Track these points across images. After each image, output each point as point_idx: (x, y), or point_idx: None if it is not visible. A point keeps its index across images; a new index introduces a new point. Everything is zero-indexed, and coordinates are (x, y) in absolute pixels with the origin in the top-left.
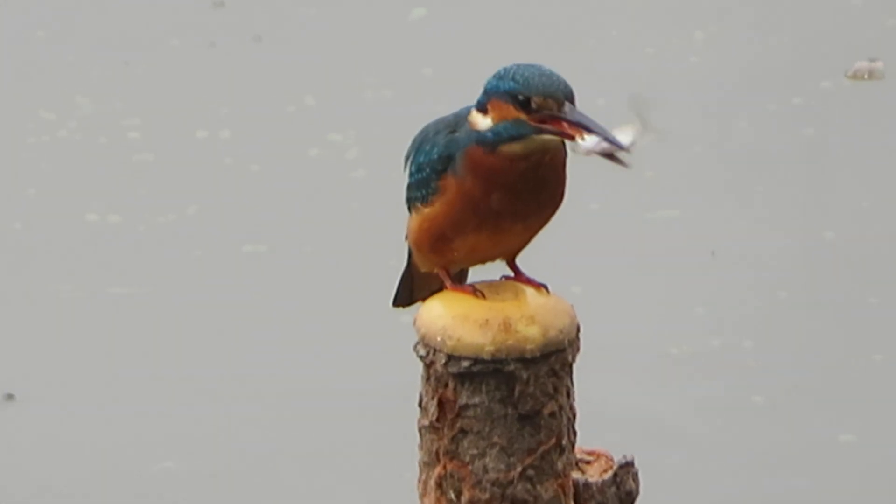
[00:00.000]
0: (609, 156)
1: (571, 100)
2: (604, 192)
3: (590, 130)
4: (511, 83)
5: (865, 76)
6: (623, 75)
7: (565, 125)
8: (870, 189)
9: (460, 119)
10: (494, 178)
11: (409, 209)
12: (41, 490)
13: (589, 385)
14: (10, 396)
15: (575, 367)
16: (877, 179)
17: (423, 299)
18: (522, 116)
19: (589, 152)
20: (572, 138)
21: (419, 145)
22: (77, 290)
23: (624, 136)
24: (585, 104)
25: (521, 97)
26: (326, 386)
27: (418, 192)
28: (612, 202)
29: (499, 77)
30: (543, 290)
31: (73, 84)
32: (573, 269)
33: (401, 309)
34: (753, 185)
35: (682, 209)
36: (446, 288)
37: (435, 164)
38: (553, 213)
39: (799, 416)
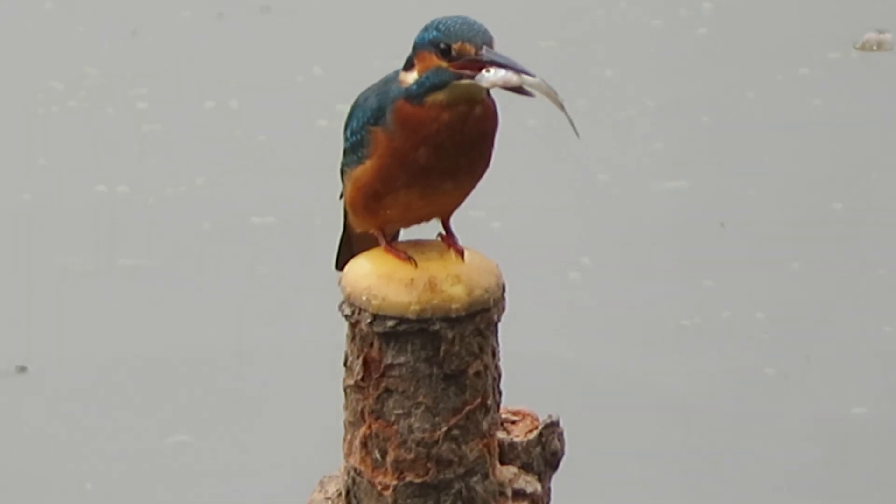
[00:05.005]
0: (517, 90)
1: (490, 45)
2: (612, 162)
3: (503, 66)
4: (434, 33)
5: (874, 47)
6: (632, 47)
7: (484, 68)
8: (878, 160)
9: (389, 81)
10: (421, 131)
11: (343, 176)
12: (54, 461)
13: (599, 357)
14: (22, 368)
15: (584, 339)
16: (885, 150)
17: None
18: (443, 64)
19: (493, 84)
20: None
21: (352, 112)
22: (86, 262)
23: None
24: (594, 76)
25: (442, 45)
26: (338, 355)
27: (353, 156)
28: (620, 173)
29: (424, 29)
30: (460, 256)
31: (82, 54)
32: (581, 240)
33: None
34: (762, 156)
35: (690, 180)
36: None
37: (368, 122)
38: (482, 171)
39: (811, 388)
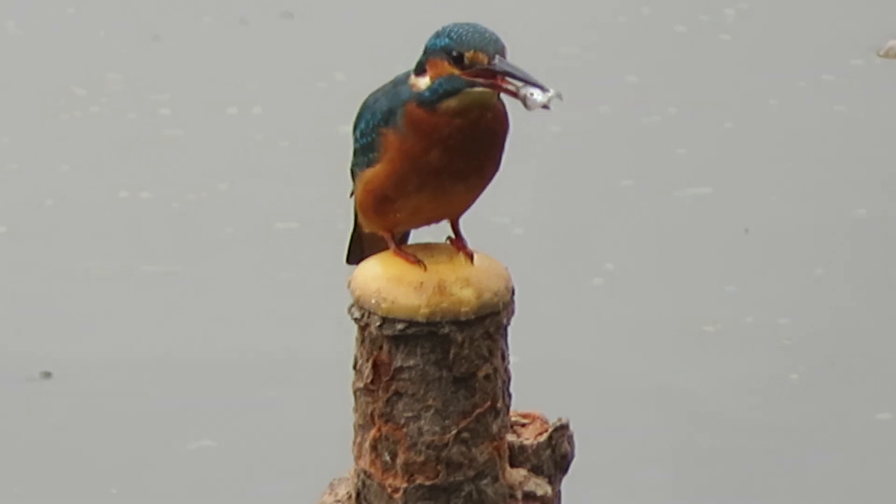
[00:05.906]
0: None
1: (503, 54)
2: (635, 168)
3: (516, 77)
4: (446, 40)
5: None
6: (654, 53)
7: (497, 77)
8: None
9: (399, 82)
10: (433, 134)
11: (353, 176)
12: (78, 467)
13: (622, 362)
14: (47, 374)
15: (608, 345)
16: None
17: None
18: (456, 71)
19: (538, 105)
20: (501, 89)
21: (361, 113)
22: (109, 267)
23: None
24: (616, 82)
25: (454, 53)
26: None
27: (364, 157)
28: (643, 179)
29: (436, 35)
30: (469, 259)
31: (104, 60)
32: (604, 246)
33: (355, 266)
34: (785, 162)
35: (714, 186)
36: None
37: (378, 124)
38: (493, 173)
39: (835, 393)
